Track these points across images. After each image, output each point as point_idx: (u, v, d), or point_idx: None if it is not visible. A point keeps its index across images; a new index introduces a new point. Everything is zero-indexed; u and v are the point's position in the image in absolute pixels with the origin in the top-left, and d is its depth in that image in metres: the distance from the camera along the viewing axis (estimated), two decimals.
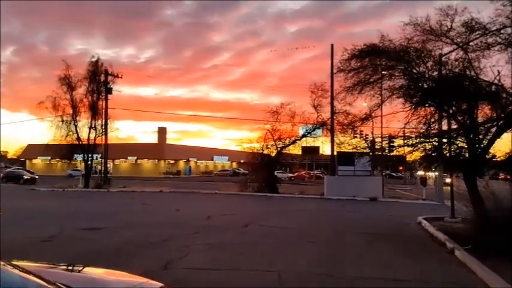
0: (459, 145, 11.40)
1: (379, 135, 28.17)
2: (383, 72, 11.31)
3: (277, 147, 31.33)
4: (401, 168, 64.93)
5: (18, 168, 58.69)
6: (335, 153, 30.78)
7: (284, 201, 23.96)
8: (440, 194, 24.45)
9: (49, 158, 72.80)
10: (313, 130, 31.57)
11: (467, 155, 11.64)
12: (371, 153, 25.53)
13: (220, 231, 11.64)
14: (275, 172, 34.37)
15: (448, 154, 12.05)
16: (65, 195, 27.62)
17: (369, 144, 24.06)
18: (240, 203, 22.41)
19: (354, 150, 17.22)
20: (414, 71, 10.92)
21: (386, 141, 20.29)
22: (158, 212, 17.12)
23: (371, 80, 11.41)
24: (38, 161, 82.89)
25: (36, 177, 45.36)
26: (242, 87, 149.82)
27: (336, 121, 30.70)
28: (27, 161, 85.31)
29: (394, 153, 16.69)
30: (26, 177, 43.53)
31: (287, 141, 31.63)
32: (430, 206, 22.82)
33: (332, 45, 31.25)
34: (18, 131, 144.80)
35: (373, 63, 11.25)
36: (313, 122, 31.42)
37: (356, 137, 48.61)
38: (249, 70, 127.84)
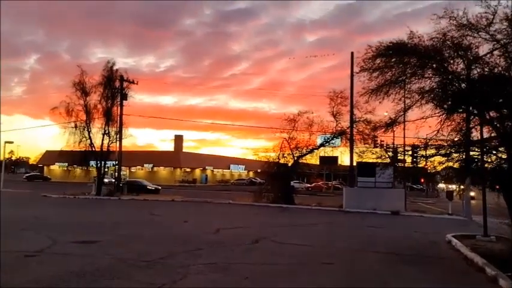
0: (499, 156, 9.99)
1: (401, 145, 26.64)
2: (411, 71, 10.00)
3: (293, 156, 30.02)
4: (423, 180, 62.80)
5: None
6: (354, 163, 29.37)
7: (300, 214, 22.64)
8: (468, 208, 22.87)
9: (66, 164, 72.96)
10: (332, 139, 30.22)
11: (505, 166, 10.27)
12: (395, 164, 24.13)
13: (227, 248, 10.45)
14: (291, 182, 33.06)
15: (482, 166, 10.67)
16: (74, 202, 26.84)
17: (391, 155, 22.51)
18: (253, 215, 21.19)
19: (376, 160, 15.91)
20: (449, 69, 9.58)
21: (410, 151, 18.85)
22: (164, 224, 16.04)
23: (399, 79, 10.11)
24: (56, 167, 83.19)
25: (159, 188, 42.68)
26: (260, 97, 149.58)
27: (355, 130, 29.40)
28: (45, 167, 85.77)
29: (420, 164, 15.26)
30: (150, 187, 40.83)
31: (304, 151, 30.29)
32: (457, 221, 21.25)
33: (352, 53, 30.03)
34: (40, 138, 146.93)
35: (400, 61, 9.96)
36: (332, 130, 30.08)
37: (377, 146, 46.98)
38: (268, 79, 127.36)
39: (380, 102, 10.82)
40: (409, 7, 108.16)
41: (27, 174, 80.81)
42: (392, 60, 10.38)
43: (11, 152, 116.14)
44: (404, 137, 24.39)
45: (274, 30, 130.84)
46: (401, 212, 24.47)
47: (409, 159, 18.35)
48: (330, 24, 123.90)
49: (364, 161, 29.30)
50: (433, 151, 10.38)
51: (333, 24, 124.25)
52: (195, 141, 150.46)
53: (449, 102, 9.88)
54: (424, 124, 10.32)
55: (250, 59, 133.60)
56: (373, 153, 13.88)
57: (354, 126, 29.15)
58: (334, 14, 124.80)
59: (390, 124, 11.45)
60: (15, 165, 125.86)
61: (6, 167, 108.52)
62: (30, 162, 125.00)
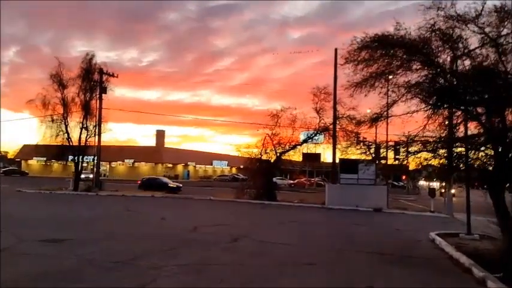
0: (486, 152, 9.68)
1: (385, 142, 26.27)
2: (398, 64, 9.61)
3: (276, 153, 29.59)
4: (404, 177, 63.18)
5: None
6: (337, 160, 29.15)
7: (282, 211, 22.23)
8: (450, 206, 22.81)
9: (44, 158, 71.27)
10: (315, 135, 29.89)
11: (491, 163, 10.00)
12: (377, 161, 23.88)
13: (204, 247, 9.92)
14: (274, 179, 32.67)
15: (467, 162, 10.38)
16: (49, 198, 25.92)
17: (373, 151, 22.26)
18: (234, 212, 20.69)
19: (359, 157, 15.58)
20: (436, 62, 9.20)
21: (392, 148, 18.62)
22: (140, 221, 15.41)
23: (384, 72, 9.71)
24: (34, 162, 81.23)
25: (181, 186, 37.67)
26: (244, 93, 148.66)
27: (339, 126, 29.15)
28: (23, 162, 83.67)
29: (404, 161, 14.95)
30: (171, 185, 36.15)
31: (287, 147, 29.89)
32: (439, 219, 21.12)
33: (336, 49, 29.81)
34: (19, 132, 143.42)
35: (386, 54, 9.55)
36: (315, 127, 29.75)
37: (359, 143, 46.54)
38: (251, 76, 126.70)
39: (366, 95, 10.41)
40: (392, 6, 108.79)
41: (4, 169, 78.68)
42: (378, 52, 9.97)
43: None
44: (387, 134, 24.27)
45: (259, 26, 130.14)
46: (384, 209, 24.30)
47: (392, 156, 18.14)
48: (313, 21, 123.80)
49: (346, 157, 29.30)
50: (418, 147, 10.02)
51: (316, 21, 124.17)
52: (178, 137, 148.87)
53: (435, 97, 9.51)
54: (410, 119, 9.99)
55: (234, 55, 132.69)
56: (357, 149, 13.50)
57: (337, 122, 28.89)
58: (318, 12, 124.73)
59: (375, 119, 11.07)
60: None
61: None
62: (9, 156, 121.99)
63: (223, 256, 9.06)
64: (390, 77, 10.30)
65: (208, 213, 19.52)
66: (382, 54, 9.86)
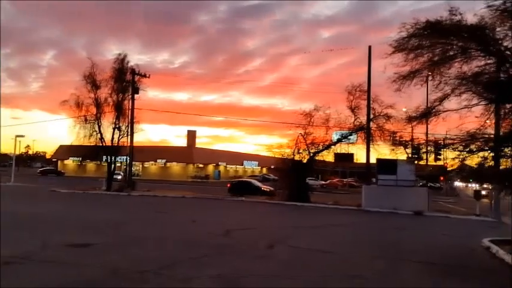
0: None
1: (424, 141, 24.85)
2: (453, 53, 8.55)
3: (309, 153, 28.57)
4: (442, 178, 60.69)
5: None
6: (371, 160, 27.97)
7: (317, 213, 21.28)
8: (497, 209, 21.28)
9: (79, 158, 72.65)
10: (350, 134, 28.68)
11: None
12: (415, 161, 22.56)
13: (237, 255, 9.17)
14: (307, 179, 31.65)
15: None
16: (82, 198, 25.90)
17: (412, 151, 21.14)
18: (267, 214, 19.89)
19: (396, 156, 14.39)
20: (500, 49, 8.10)
21: (433, 147, 17.34)
22: (170, 223, 14.84)
23: (438, 62, 8.66)
24: (69, 162, 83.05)
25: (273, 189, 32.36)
26: (274, 93, 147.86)
27: (375, 125, 27.96)
28: (59, 162, 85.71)
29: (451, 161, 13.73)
30: (264, 189, 32.61)
31: (321, 147, 28.84)
32: (486, 223, 19.67)
33: (369, 47, 28.67)
34: (56, 132, 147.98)
35: (440, 41, 8.51)
36: (349, 126, 28.57)
37: (396, 143, 44.98)
38: (282, 76, 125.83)
39: (421, 86, 9.32)
40: (424, 3, 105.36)
41: (41, 169, 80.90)
42: (429, 40, 8.93)
43: (27, 146, 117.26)
44: (427, 132, 22.88)
45: (289, 26, 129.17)
46: (425, 212, 22.91)
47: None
48: (344, 20, 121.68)
49: (384, 158, 28.03)
50: (476, 146, 8.92)
51: (347, 20, 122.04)
52: (209, 137, 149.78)
53: (498, 90, 8.41)
54: (469, 114, 8.86)
55: (264, 55, 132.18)
56: (393, 149, 12.39)
57: (373, 121, 27.73)
58: (349, 10, 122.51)
59: (424, 114, 10.01)
60: (31, 159, 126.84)
61: (23, 161, 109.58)
62: (47, 156, 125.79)
63: (259, 266, 8.27)
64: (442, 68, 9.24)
65: (240, 215, 18.81)
66: (435, 42, 8.81)
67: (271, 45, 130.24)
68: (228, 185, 33.79)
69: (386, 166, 25.12)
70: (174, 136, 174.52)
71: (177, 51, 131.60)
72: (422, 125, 12.50)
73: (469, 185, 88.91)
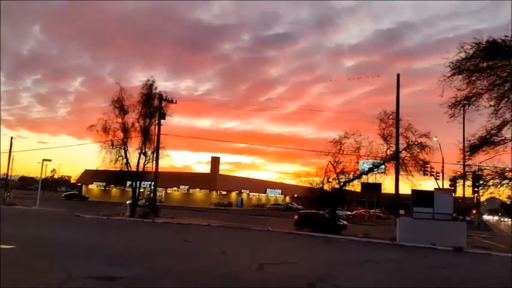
0: None
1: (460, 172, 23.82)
2: None
3: (339, 182, 27.54)
4: (474, 211, 58.24)
5: None
6: (402, 191, 26.95)
7: (350, 247, 20.12)
8: None
9: (103, 183, 73.04)
10: (383, 163, 27.62)
11: None
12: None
13: None
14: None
15: None
16: (106, 224, 25.41)
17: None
18: (298, 246, 18.86)
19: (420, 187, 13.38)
20: None
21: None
22: (200, 254, 14.01)
23: (502, 84, 7.85)
24: (94, 187, 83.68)
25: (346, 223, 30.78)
26: (296, 121, 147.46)
27: (409, 155, 27.00)
28: (84, 186, 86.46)
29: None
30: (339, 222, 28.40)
31: (351, 176, 27.80)
32: None
33: (398, 75, 28.17)
34: (81, 157, 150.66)
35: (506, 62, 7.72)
36: (382, 155, 27.55)
37: (426, 173, 43.49)
38: (304, 104, 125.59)
39: (490, 107, 8.49)
40: (451, 33, 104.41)
41: (65, 193, 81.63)
42: (490, 61, 8.14)
43: (53, 170, 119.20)
44: (464, 163, 21.72)
45: (312, 55, 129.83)
46: (465, 248, 21.41)
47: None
48: (368, 49, 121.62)
49: (419, 189, 26.79)
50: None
51: (371, 49, 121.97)
52: (230, 164, 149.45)
53: None
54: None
55: (287, 84, 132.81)
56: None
57: (407, 150, 26.81)
58: (372, 39, 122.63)
59: (484, 143, 9.09)
60: (56, 183, 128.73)
61: (49, 185, 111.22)
62: (72, 181, 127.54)
63: None
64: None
65: (270, 247, 17.86)
66: (497, 64, 8.02)
67: (294, 73, 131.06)
68: (296, 217, 29.38)
69: (423, 198, 23.80)
70: (196, 162, 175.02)
71: (201, 78, 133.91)
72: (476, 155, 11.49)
73: (502, 219, 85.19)
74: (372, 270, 13.00)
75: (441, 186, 39.73)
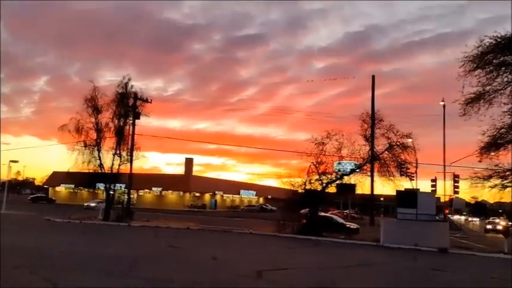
0: None
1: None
2: None
3: (322, 183, 27.20)
4: (447, 211, 59.36)
5: None
6: (375, 191, 27.03)
7: (338, 249, 19.75)
8: None
9: (72, 186, 70.39)
10: (364, 164, 27.51)
11: None
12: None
13: None
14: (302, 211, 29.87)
15: None
16: (81, 228, 24.09)
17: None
18: (288, 250, 18.26)
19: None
20: None
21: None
22: (190, 261, 13.22)
23: None
24: (62, 189, 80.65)
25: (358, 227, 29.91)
26: (267, 122, 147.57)
27: (390, 155, 27.02)
28: (50, 189, 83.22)
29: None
30: (350, 226, 29.27)
31: (333, 176, 27.55)
32: None
33: (373, 76, 28.50)
34: (47, 159, 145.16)
35: None
36: (364, 156, 27.40)
37: (403, 174, 43.90)
38: (275, 105, 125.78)
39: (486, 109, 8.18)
40: (416, 36, 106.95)
41: (32, 196, 78.32)
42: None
43: (18, 172, 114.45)
44: (444, 164, 21.85)
45: (283, 57, 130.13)
46: (449, 249, 21.44)
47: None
48: (338, 51, 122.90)
49: (403, 189, 26.80)
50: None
51: (341, 51, 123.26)
52: (201, 165, 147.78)
53: None
54: None
55: (258, 85, 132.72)
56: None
57: (389, 151, 26.82)
58: (342, 42, 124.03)
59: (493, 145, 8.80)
60: (21, 185, 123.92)
61: (12, 187, 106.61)
62: (36, 183, 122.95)
63: None
64: None
65: (261, 251, 17.25)
66: None
67: (265, 74, 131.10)
68: (304, 221, 26.75)
69: (406, 199, 23.80)
70: (165, 164, 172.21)
71: (172, 78, 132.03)
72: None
73: (470, 218, 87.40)
74: (369, 275, 12.60)
75: (415, 187, 40.24)
